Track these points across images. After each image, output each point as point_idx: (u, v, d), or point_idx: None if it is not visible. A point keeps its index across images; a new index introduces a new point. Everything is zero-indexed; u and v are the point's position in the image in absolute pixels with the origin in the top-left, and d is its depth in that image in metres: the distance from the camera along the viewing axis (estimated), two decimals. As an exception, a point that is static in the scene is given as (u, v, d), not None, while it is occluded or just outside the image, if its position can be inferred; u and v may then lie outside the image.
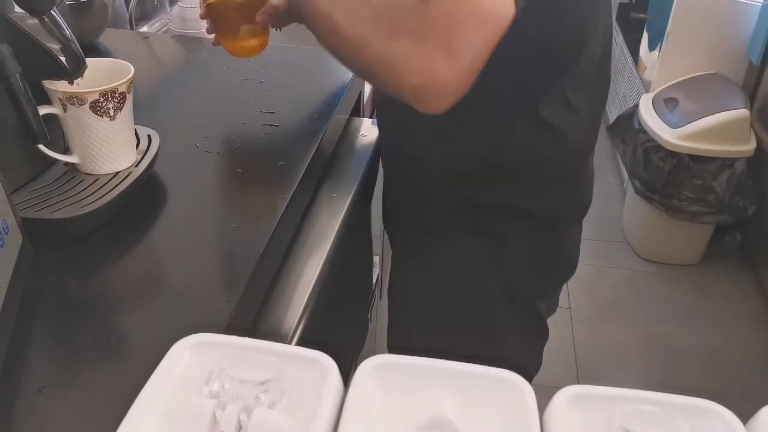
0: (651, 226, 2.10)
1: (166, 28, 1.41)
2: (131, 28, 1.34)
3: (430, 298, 0.85)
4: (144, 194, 0.74)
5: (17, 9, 0.64)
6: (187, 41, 1.19)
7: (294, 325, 0.67)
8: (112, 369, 0.55)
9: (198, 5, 1.23)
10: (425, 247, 0.85)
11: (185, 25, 1.21)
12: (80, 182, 0.71)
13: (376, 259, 1.20)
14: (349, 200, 0.86)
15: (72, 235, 0.67)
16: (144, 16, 1.44)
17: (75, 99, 0.67)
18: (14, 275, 0.56)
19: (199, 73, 1.08)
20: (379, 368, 0.42)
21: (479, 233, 0.81)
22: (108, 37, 1.16)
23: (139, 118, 0.76)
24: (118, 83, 0.68)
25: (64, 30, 0.67)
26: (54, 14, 0.67)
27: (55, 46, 0.65)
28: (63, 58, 0.65)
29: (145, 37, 1.21)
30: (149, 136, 0.78)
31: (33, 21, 0.65)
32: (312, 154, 0.82)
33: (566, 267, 0.92)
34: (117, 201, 0.69)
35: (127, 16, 1.35)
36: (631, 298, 2.02)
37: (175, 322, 0.59)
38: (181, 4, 1.22)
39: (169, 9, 1.52)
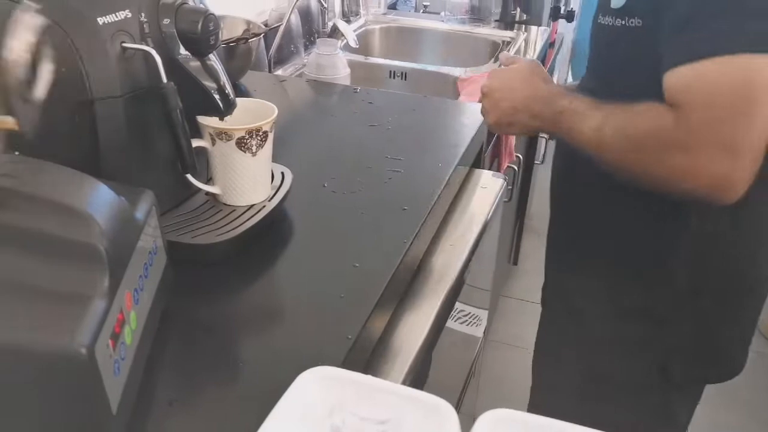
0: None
1: (300, 72, 1.49)
2: (269, 71, 1.43)
3: (580, 365, 0.86)
4: (274, 228, 0.78)
5: (182, 51, 0.70)
6: (320, 86, 1.26)
7: (406, 369, 0.68)
8: (237, 390, 0.57)
9: (332, 53, 1.30)
10: (579, 314, 0.87)
11: (320, 71, 1.28)
12: (219, 212, 0.76)
13: (485, 313, 1.19)
14: (466, 251, 0.86)
15: (207, 260, 0.71)
16: (280, 60, 1.53)
17: (223, 134, 0.72)
18: (157, 293, 0.60)
19: (330, 117, 1.13)
20: (499, 422, 0.42)
21: (638, 311, 0.82)
22: (249, 79, 1.24)
23: (273, 156, 0.81)
24: (262, 123, 0.73)
25: (220, 72, 0.73)
26: (213, 57, 0.73)
27: (211, 86, 0.71)
28: (217, 97, 0.71)
29: (281, 80, 1.29)
30: (282, 173, 0.83)
31: (194, 62, 0.71)
32: (434, 201, 0.84)
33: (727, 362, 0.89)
34: (250, 232, 0.73)
35: (267, 60, 1.45)
36: (755, 382, 1.88)
37: (294, 353, 0.61)
38: (317, 51, 1.29)
39: (303, 54, 1.61)
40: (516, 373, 1.94)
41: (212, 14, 0.69)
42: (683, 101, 0.64)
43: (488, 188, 1.02)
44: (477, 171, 1.07)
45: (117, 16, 0.64)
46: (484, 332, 1.21)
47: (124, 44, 0.64)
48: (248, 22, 1.25)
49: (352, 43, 1.51)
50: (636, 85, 0.74)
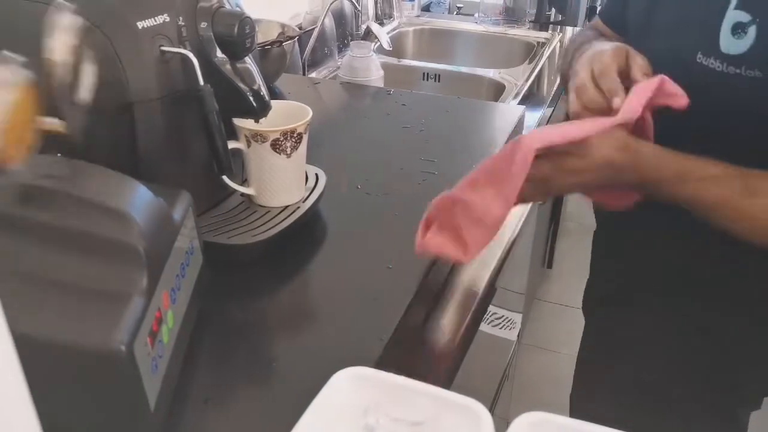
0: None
1: (334, 74, 1.50)
2: (303, 74, 1.44)
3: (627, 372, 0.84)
4: (308, 228, 0.79)
5: (218, 54, 0.71)
6: (354, 88, 1.26)
7: (440, 371, 0.67)
8: (270, 389, 0.58)
9: (365, 55, 1.30)
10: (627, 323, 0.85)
11: (353, 74, 1.28)
12: (253, 213, 0.76)
13: (519, 317, 1.18)
14: (499, 254, 0.86)
15: (242, 260, 0.72)
16: (314, 63, 1.54)
17: (259, 136, 0.73)
18: (193, 293, 0.61)
19: (363, 119, 1.13)
20: (535, 426, 0.42)
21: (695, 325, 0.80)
22: (283, 81, 1.25)
23: (308, 157, 0.81)
24: (297, 124, 0.73)
25: (255, 74, 0.74)
26: (249, 60, 0.74)
27: (246, 88, 0.72)
28: (252, 99, 0.72)
29: (315, 82, 1.30)
30: (317, 174, 0.83)
31: (230, 65, 0.72)
32: (467, 203, 0.83)
33: None
34: (285, 233, 0.73)
35: (301, 63, 1.46)
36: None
37: (328, 353, 0.61)
38: (351, 53, 1.30)
39: (337, 57, 1.62)
40: (549, 376, 1.92)
41: (248, 17, 0.70)
42: None
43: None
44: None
45: (156, 20, 0.65)
46: (518, 336, 1.20)
47: (163, 48, 0.65)
48: (283, 26, 1.26)
49: (386, 46, 1.51)
50: (750, 138, 0.67)
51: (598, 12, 0.89)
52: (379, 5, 1.89)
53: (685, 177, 0.64)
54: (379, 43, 1.51)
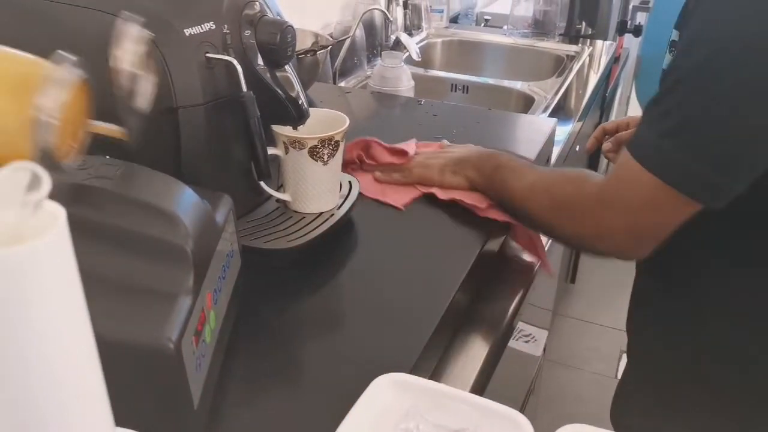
0: None
1: (363, 83, 1.51)
2: (334, 83, 1.46)
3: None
4: (341, 235, 0.79)
5: (260, 61, 0.72)
6: (385, 98, 1.27)
7: (474, 376, 0.68)
8: (306, 392, 0.58)
9: (396, 65, 1.31)
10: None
11: (384, 83, 1.30)
12: (288, 218, 0.77)
13: (544, 333, 1.18)
14: (536, 266, 0.86)
15: (277, 265, 0.73)
16: (344, 72, 1.56)
17: (297, 143, 0.74)
18: (233, 295, 0.62)
19: (395, 129, 1.14)
20: (576, 436, 0.42)
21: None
22: (314, 90, 1.26)
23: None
24: (335, 132, 0.74)
25: (295, 82, 0.75)
26: (289, 68, 0.75)
27: (286, 95, 0.73)
28: (291, 107, 0.73)
29: (346, 91, 1.31)
30: (350, 182, 0.84)
31: (271, 73, 0.73)
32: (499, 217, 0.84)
33: None
34: (319, 239, 0.74)
35: (331, 72, 1.47)
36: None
37: (362, 359, 0.62)
38: (382, 63, 1.31)
39: (366, 66, 1.64)
40: (572, 393, 1.91)
41: (290, 26, 0.71)
42: (608, 181, 0.71)
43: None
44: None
45: (202, 28, 0.66)
46: (543, 351, 1.19)
47: (208, 54, 0.66)
48: (316, 35, 1.28)
49: (415, 56, 1.52)
50: None
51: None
52: (408, 16, 1.91)
53: (498, 164, 0.84)
54: (407, 54, 1.52)
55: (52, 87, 0.42)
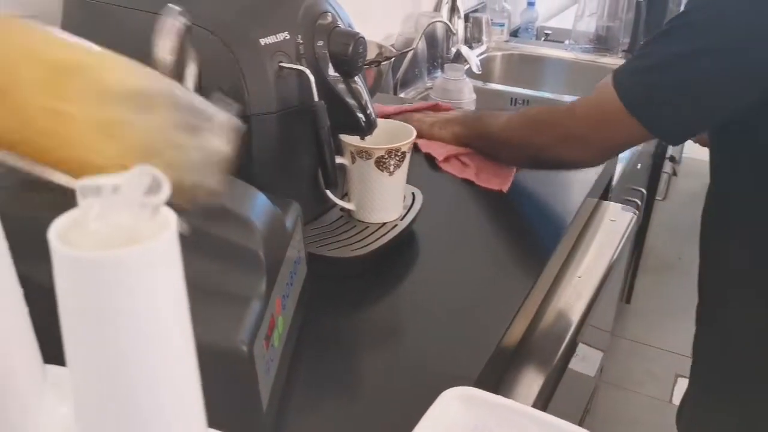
0: None
1: (424, 95, 1.52)
2: (395, 94, 1.47)
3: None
4: (403, 246, 0.79)
5: (331, 72, 0.73)
6: (446, 110, 1.27)
7: (536, 392, 0.67)
8: (368, 402, 0.58)
9: (459, 78, 1.31)
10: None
11: (446, 95, 1.30)
12: (352, 227, 0.78)
13: (600, 354, 1.15)
14: (594, 285, 0.84)
15: (341, 274, 0.73)
16: (404, 83, 1.56)
17: (364, 153, 0.74)
18: (299, 302, 0.63)
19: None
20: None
21: None
22: (376, 101, 1.26)
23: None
24: (402, 143, 0.75)
25: (364, 92, 0.76)
26: (359, 78, 0.76)
27: (355, 105, 0.74)
28: (360, 117, 0.74)
29: (408, 103, 1.32)
30: (413, 193, 0.84)
31: (341, 83, 0.74)
32: (564, 232, 0.82)
33: None
34: (382, 249, 0.75)
35: (392, 83, 1.48)
36: None
37: (422, 370, 0.62)
38: (444, 76, 1.31)
39: (426, 78, 1.64)
40: (627, 416, 1.86)
41: (362, 37, 0.72)
42: (584, 98, 0.82)
43: (617, 221, 0.99)
44: (605, 203, 1.04)
45: (277, 38, 0.68)
46: (598, 371, 1.17)
47: (282, 64, 0.68)
48: (380, 46, 1.29)
49: (476, 69, 1.52)
50: None
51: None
52: (469, 29, 1.91)
53: (480, 114, 1.02)
54: (468, 66, 1.51)
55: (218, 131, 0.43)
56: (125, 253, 0.24)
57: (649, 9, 1.90)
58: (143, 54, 0.54)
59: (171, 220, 0.26)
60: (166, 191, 0.24)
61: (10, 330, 0.32)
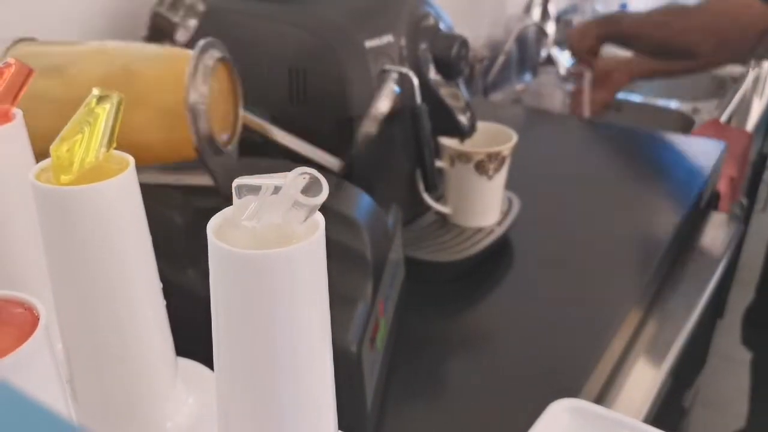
0: None
1: (515, 98, 1.49)
2: (485, 97, 1.45)
3: None
4: (500, 252, 0.78)
5: (431, 74, 0.73)
6: (539, 114, 1.25)
7: (647, 407, 0.64)
8: (464, 407, 0.58)
9: (552, 82, 1.28)
10: None
11: (539, 101, 1.27)
12: (448, 232, 0.77)
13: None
14: (702, 300, 0.81)
15: (436, 278, 0.73)
16: (493, 86, 1.54)
17: (463, 156, 0.74)
18: (398, 305, 0.63)
19: (551, 146, 1.12)
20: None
21: None
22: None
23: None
24: (503, 147, 0.74)
25: (463, 95, 0.75)
26: (458, 81, 0.75)
27: (457, 108, 0.73)
28: (461, 119, 0.73)
29: (499, 106, 1.30)
30: (510, 199, 0.83)
31: (442, 85, 0.74)
32: (666, 246, 0.79)
33: None
34: (480, 255, 0.74)
35: (482, 86, 1.47)
36: None
37: (521, 378, 0.61)
38: (539, 80, 1.29)
39: (515, 81, 1.62)
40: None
41: (465, 40, 0.72)
42: None
43: (723, 231, 0.95)
44: (712, 213, 0.99)
45: (381, 41, 0.68)
46: (693, 392, 1.12)
47: (386, 66, 0.68)
48: (472, 49, 1.28)
49: (564, 72, 1.48)
50: None
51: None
52: (559, 32, 1.86)
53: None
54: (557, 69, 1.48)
55: (199, 74, 0.45)
56: (290, 251, 0.24)
57: None
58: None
59: (320, 220, 0.27)
60: (325, 192, 0.25)
61: (152, 320, 0.34)
